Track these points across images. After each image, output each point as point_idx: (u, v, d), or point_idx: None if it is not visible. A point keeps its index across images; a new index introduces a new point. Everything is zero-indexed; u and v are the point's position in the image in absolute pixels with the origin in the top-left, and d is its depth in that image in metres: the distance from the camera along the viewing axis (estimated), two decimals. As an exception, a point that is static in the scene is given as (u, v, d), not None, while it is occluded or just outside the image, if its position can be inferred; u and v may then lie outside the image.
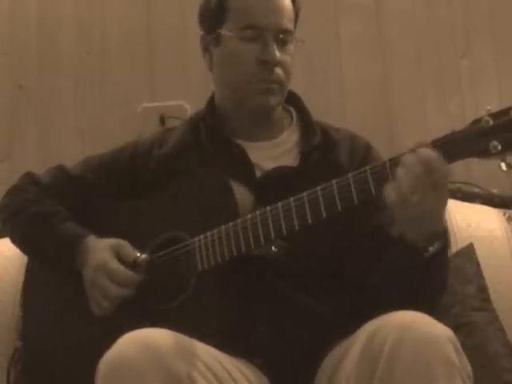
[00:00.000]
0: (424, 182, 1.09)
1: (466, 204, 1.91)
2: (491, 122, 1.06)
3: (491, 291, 1.70)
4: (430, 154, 1.10)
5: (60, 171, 1.55)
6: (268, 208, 1.25)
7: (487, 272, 1.73)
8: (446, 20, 2.54)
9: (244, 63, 1.41)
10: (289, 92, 1.50)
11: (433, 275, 1.22)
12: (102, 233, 1.43)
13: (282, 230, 1.23)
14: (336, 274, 1.36)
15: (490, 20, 2.52)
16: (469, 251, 1.75)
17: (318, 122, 1.52)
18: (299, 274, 1.32)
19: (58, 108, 2.54)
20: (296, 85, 1.55)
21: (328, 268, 1.35)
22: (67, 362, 1.41)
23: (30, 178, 1.55)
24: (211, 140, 1.48)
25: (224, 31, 1.44)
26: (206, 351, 1.17)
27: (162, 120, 2.31)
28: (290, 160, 1.45)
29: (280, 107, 1.50)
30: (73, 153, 2.35)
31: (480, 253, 1.75)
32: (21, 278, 1.63)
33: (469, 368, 1.10)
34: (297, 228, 1.22)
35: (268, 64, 1.40)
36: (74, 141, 2.49)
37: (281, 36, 1.42)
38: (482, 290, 1.70)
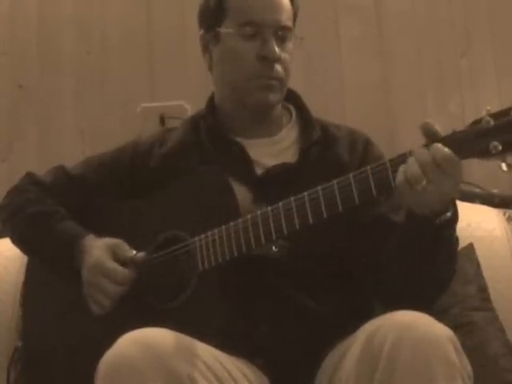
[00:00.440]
0: (431, 170, 1.08)
1: (466, 204, 1.91)
2: (492, 123, 1.05)
3: (491, 291, 1.70)
4: (441, 146, 1.09)
5: (60, 171, 1.55)
6: (269, 208, 1.25)
7: (487, 272, 1.73)
8: (446, 20, 2.54)
9: (244, 60, 1.41)
10: (288, 90, 1.50)
11: (441, 247, 1.22)
12: (102, 232, 1.43)
13: (282, 229, 1.23)
14: (337, 273, 1.36)
15: (490, 20, 2.53)
16: (469, 251, 1.74)
17: (317, 119, 1.52)
18: (300, 273, 1.32)
19: (58, 108, 2.54)
20: (296, 85, 1.55)
21: (329, 268, 1.35)
22: (67, 362, 1.41)
23: (30, 179, 1.55)
24: (211, 139, 1.48)
25: (223, 29, 1.44)
26: (206, 351, 1.17)
27: (162, 120, 2.31)
28: (290, 157, 1.45)
29: (279, 105, 1.50)
30: (73, 153, 2.36)
31: (480, 253, 1.75)
32: (21, 277, 1.63)
33: (469, 368, 1.10)
34: (298, 228, 1.22)
35: (268, 60, 1.40)
36: (74, 141, 2.49)
37: (280, 33, 1.42)
38: (482, 289, 1.70)
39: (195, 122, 1.54)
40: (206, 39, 1.49)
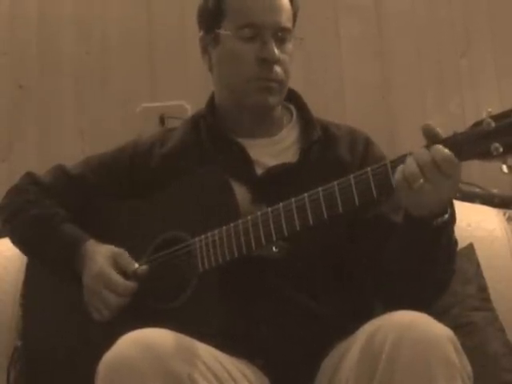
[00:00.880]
0: (430, 169, 1.08)
1: (466, 204, 1.91)
2: (493, 125, 1.05)
3: (491, 291, 1.70)
4: (441, 147, 1.09)
5: (60, 171, 1.55)
6: (269, 209, 1.25)
7: (487, 272, 1.73)
8: (446, 20, 2.54)
9: (243, 62, 1.41)
10: (289, 90, 1.50)
11: (440, 249, 1.22)
12: (102, 233, 1.43)
13: (283, 230, 1.23)
14: (337, 274, 1.36)
15: (490, 20, 2.53)
16: (469, 251, 1.74)
17: (317, 119, 1.52)
18: (300, 274, 1.32)
19: (58, 108, 2.54)
20: (296, 85, 1.55)
21: (329, 268, 1.35)
22: (67, 362, 1.41)
23: (30, 179, 1.55)
24: (211, 139, 1.48)
25: (222, 31, 1.44)
26: (206, 351, 1.17)
27: (162, 120, 2.31)
28: (290, 156, 1.45)
29: (279, 105, 1.50)
30: (73, 153, 2.35)
31: (480, 253, 1.75)
32: (21, 277, 1.63)
33: (469, 368, 1.10)
34: (298, 229, 1.22)
35: (267, 62, 1.40)
36: (74, 141, 2.49)
37: (279, 34, 1.41)
38: (482, 289, 1.70)
39: (195, 122, 1.54)
40: (205, 41, 1.49)
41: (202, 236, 1.31)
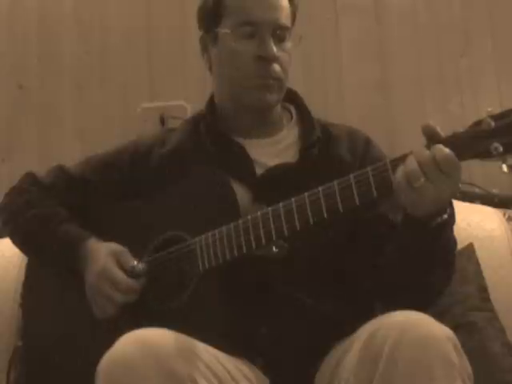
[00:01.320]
0: (430, 168, 1.08)
1: (466, 204, 1.91)
2: (492, 124, 1.05)
3: (491, 291, 1.70)
4: (442, 146, 1.09)
5: (60, 171, 1.55)
6: (269, 208, 1.25)
7: (487, 272, 1.73)
8: (446, 20, 2.54)
9: (241, 60, 1.41)
10: (288, 90, 1.50)
11: (438, 250, 1.22)
12: (102, 232, 1.43)
13: (283, 230, 1.23)
14: (337, 274, 1.36)
15: (490, 20, 2.53)
16: (469, 251, 1.74)
17: (317, 119, 1.52)
18: (300, 274, 1.32)
19: (58, 108, 2.54)
20: (295, 84, 1.55)
21: (329, 268, 1.35)
22: (68, 362, 1.41)
23: (30, 179, 1.55)
24: (211, 139, 1.48)
25: (221, 30, 1.44)
26: (206, 351, 1.17)
27: (162, 120, 2.31)
28: (290, 157, 1.45)
29: (279, 105, 1.50)
30: (73, 153, 2.36)
31: (480, 253, 1.75)
32: (21, 277, 1.63)
33: (469, 368, 1.10)
34: (298, 228, 1.22)
35: (265, 60, 1.40)
36: (74, 141, 2.49)
37: (278, 32, 1.41)
38: (482, 289, 1.70)
39: (195, 122, 1.54)
40: (205, 40, 1.49)
41: (203, 236, 1.31)
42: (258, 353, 1.27)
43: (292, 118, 1.53)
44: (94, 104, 2.53)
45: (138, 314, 1.33)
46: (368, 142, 1.49)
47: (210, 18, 1.47)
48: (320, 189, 1.20)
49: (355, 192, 1.16)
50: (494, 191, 2.12)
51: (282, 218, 1.23)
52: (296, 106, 1.54)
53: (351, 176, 1.17)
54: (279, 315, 1.30)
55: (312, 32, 2.43)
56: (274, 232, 1.24)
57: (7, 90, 2.54)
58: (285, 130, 1.50)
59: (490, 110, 1.07)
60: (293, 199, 1.23)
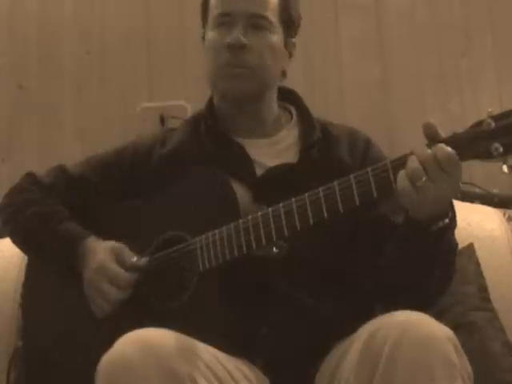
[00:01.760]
0: (432, 167, 1.08)
1: (466, 204, 1.91)
2: (493, 125, 1.05)
3: (491, 291, 1.70)
4: (443, 145, 1.09)
5: (60, 171, 1.55)
6: (270, 209, 1.25)
7: (487, 272, 1.73)
8: (446, 20, 2.54)
9: (215, 50, 1.43)
10: (288, 90, 1.50)
11: (439, 253, 1.22)
12: (102, 232, 1.43)
13: (283, 230, 1.23)
14: (337, 274, 1.36)
15: (490, 20, 2.53)
16: (469, 251, 1.74)
17: (317, 119, 1.52)
18: (300, 274, 1.32)
19: (58, 108, 2.54)
20: (296, 85, 1.56)
21: (329, 269, 1.35)
22: (68, 362, 1.41)
23: (30, 178, 1.55)
24: (211, 139, 1.48)
25: (206, 25, 1.48)
26: (206, 351, 1.17)
27: (162, 120, 2.31)
28: (290, 157, 1.45)
29: (276, 105, 1.50)
30: (73, 153, 2.36)
31: (480, 253, 1.75)
32: (21, 278, 1.63)
33: (469, 368, 1.10)
34: (298, 229, 1.22)
35: (234, 48, 1.40)
36: (74, 141, 2.49)
37: (252, 21, 1.42)
38: (482, 289, 1.70)
39: (196, 122, 1.54)
40: (203, 38, 1.51)
41: (203, 236, 1.31)
42: (258, 353, 1.27)
43: (292, 118, 1.53)
44: (94, 104, 2.53)
45: (138, 314, 1.33)
46: (368, 143, 1.49)
47: (202, 17, 1.51)
48: (320, 189, 1.20)
49: (355, 192, 1.16)
50: (494, 191, 2.12)
51: (282, 218, 1.23)
52: (296, 107, 1.54)
53: (351, 176, 1.17)
54: (279, 315, 1.30)
55: (312, 31, 2.42)
56: (274, 232, 1.24)
57: (7, 90, 2.55)
58: (285, 131, 1.50)
59: (490, 110, 1.07)
60: (293, 199, 1.23)
